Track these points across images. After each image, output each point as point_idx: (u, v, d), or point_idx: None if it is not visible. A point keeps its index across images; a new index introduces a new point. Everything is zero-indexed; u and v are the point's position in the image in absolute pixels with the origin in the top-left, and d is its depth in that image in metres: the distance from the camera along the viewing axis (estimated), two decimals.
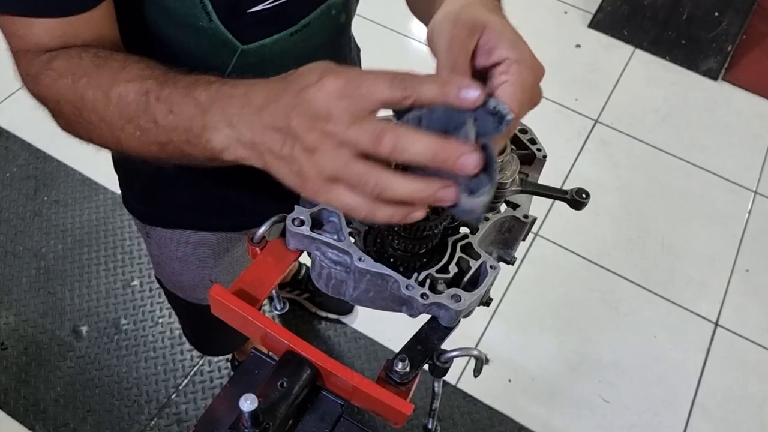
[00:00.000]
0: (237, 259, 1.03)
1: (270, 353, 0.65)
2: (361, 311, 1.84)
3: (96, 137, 0.62)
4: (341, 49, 0.87)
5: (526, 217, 0.66)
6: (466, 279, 0.61)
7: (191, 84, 0.55)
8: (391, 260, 0.62)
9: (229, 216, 0.95)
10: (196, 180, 0.87)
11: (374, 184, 0.44)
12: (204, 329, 1.30)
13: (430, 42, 0.54)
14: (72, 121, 0.63)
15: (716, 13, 2.69)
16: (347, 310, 1.81)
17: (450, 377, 1.75)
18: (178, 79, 0.56)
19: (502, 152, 0.66)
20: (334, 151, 0.44)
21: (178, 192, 0.91)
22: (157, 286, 1.84)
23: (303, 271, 1.79)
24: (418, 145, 0.43)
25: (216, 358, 1.73)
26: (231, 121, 0.50)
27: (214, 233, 0.98)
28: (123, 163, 0.95)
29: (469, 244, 0.62)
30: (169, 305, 1.82)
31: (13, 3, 0.60)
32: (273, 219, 0.64)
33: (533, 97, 0.52)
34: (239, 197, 0.91)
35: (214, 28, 0.69)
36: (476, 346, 1.81)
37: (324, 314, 1.81)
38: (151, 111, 0.55)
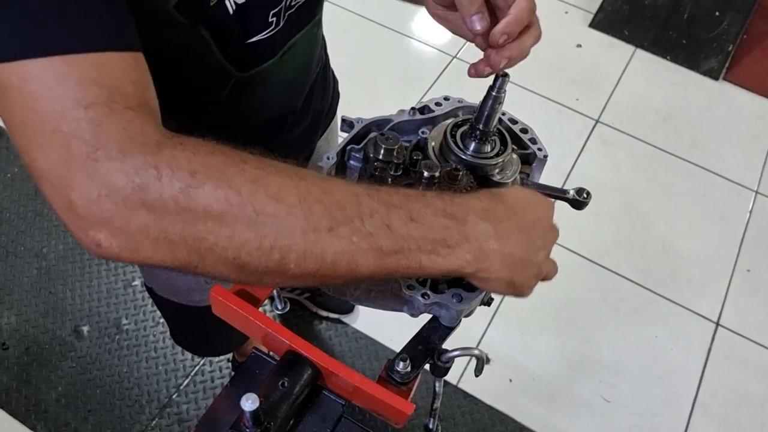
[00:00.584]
0: None
1: (271, 353, 0.65)
2: (361, 311, 1.83)
3: (261, 237, 0.45)
4: (315, 55, 0.89)
5: None
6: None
7: (412, 193, 0.52)
8: None
9: None
10: None
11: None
12: (200, 331, 1.29)
13: None
14: (214, 211, 0.44)
15: (717, 13, 2.69)
16: (348, 309, 1.81)
17: (451, 377, 1.75)
18: (379, 187, 0.52)
19: (503, 152, 0.66)
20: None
21: None
22: None
23: None
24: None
25: (217, 358, 1.73)
26: (499, 236, 0.54)
27: None
28: None
29: None
30: None
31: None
32: None
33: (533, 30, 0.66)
34: None
35: (213, 59, 0.69)
36: (477, 345, 1.81)
37: (325, 314, 1.81)
38: (380, 216, 0.48)
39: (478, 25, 0.60)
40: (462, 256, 0.51)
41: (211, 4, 0.63)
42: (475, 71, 0.63)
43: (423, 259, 0.50)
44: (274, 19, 0.72)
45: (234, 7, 0.66)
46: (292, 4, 0.74)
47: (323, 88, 0.99)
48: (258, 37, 0.72)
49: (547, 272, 0.64)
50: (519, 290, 0.58)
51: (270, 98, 0.81)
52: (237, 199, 0.43)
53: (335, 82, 1.09)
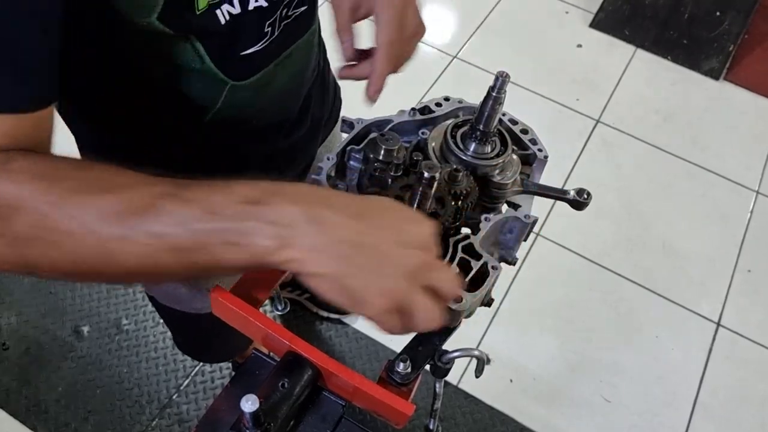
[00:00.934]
0: None
1: (271, 354, 0.65)
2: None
3: (66, 253, 0.49)
4: (311, 63, 0.89)
5: (527, 217, 0.66)
6: (467, 279, 0.61)
7: (216, 185, 0.50)
8: None
9: None
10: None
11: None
12: (202, 337, 1.29)
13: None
14: (27, 234, 0.49)
15: (718, 13, 2.69)
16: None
17: (451, 377, 1.75)
18: (195, 182, 0.51)
19: (503, 153, 0.66)
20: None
21: None
22: None
23: None
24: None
25: None
26: (315, 219, 0.48)
27: None
28: None
29: (471, 245, 0.62)
30: None
31: None
32: None
33: (400, 53, 0.77)
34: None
35: (206, 69, 0.69)
36: (477, 346, 1.81)
37: (325, 314, 1.81)
38: (176, 214, 0.48)
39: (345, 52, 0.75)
40: (261, 242, 0.47)
41: (198, 12, 0.62)
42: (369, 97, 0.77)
43: (223, 251, 0.48)
44: (270, 29, 0.72)
45: (227, 18, 0.65)
46: (289, 14, 0.74)
47: (322, 95, 0.99)
48: (253, 49, 0.71)
49: (422, 311, 0.50)
50: (357, 301, 0.49)
51: (265, 107, 0.80)
52: (42, 223, 0.48)
53: (336, 88, 1.08)
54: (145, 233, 0.48)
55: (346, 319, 1.82)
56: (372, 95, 0.76)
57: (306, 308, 1.82)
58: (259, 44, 0.72)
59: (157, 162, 0.55)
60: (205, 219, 0.48)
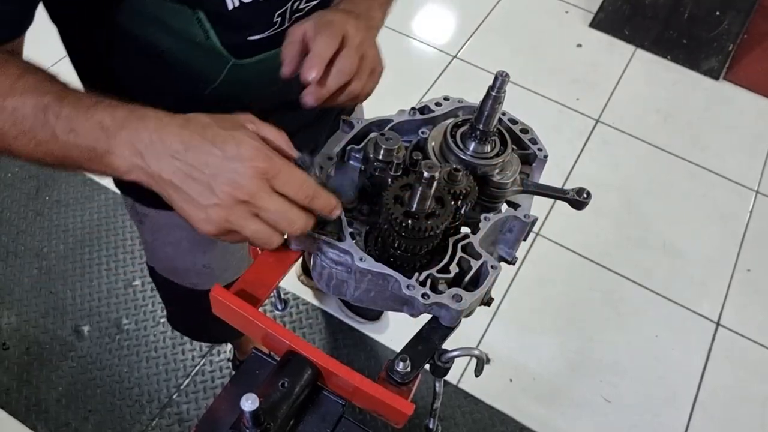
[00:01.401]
0: (229, 246, 1.01)
1: (271, 353, 0.65)
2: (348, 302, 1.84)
3: None
4: None
5: (527, 216, 0.66)
6: (467, 279, 0.61)
7: (93, 105, 0.57)
8: (392, 260, 0.62)
9: None
10: None
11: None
12: (198, 316, 1.28)
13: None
14: None
15: (717, 13, 2.69)
16: (374, 316, 1.79)
17: (451, 377, 1.75)
18: (79, 98, 0.58)
19: (503, 152, 0.66)
20: (247, 217, 0.55)
21: None
22: None
23: None
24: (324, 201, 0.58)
25: (218, 358, 1.73)
26: (140, 153, 0.55)
27: None
28: None
29: (470, 244, 0.62)
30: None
31: None
32: None
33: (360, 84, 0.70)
34: None
35: (209, 44, 0.70)
36: (477, 345, 1.81)
37: (352, 319, 1.80)
38: (50, 126, 0.57)
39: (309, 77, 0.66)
40: (114, 164, 0.56)
41: None
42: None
43: (84, 164, 0.58)
44: (279, 19, 0.72)
45: (236, 5, 0.67)
46: (301, 7, 0.74)
47: None
48: (260, 36, 0.72)
49: (250, 234, 0.55)
50: (193, 224, 0.56)
51: (264, 88, 0.80)
52: None
53: None
54: (29, 138, 0.58)
55: (367, 328, 1.81)
56: (308, 84, 0.67)
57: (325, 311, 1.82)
58: (267, 32, 0.72)
59: None
60: (69, 137, 0.57)
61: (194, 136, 0.55)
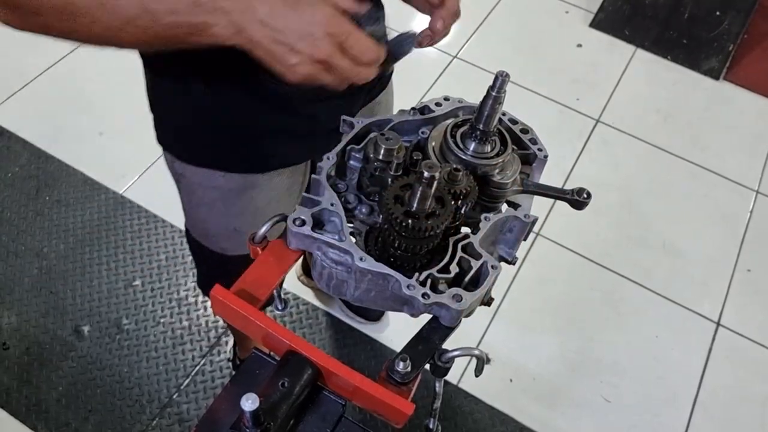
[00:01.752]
0: (261, 208, 1.05)
1: (271, 353, 0.65)
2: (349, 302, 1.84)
3: (85, 37, 0.68)
4: None
5: (527, 216, 0.66)
6: (467, 279, 0.61)
7: None
8: (393, 260, 0.62)
9: (254, 156, 0.99)
10: (226, 118, 0.93)
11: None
12: (224, 281, 1.31)
13: None
14: (54, 24, 0.66)
15: (717, 13, 2.69)
16: (375, 317, 1.80)
17: (451, 377, 1.75)
18: None
19: (503, 152, 0.66)
20: (323, 72, 0.68)
21: (210, 129, 0.95)
22: (159, 285, 1.85)
23: None
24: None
25: (218, 358, 1.74)
26: (236, 23, 0.65)
27: (240, 176, 1.00)
28: (160, 102, 0.98)
29: (471, 244, 0.62)
30: (170, 305, 1.82)
31: None
32: (274, 218, 0.65)
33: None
34: (264, 137, 0.96)
35: None
36: (477, 345, 1.81)
37: (351, 318, 1.80)
38: (151, 12, 0.64)
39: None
40: (217, 32, 0.64)
41: None
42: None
43: (189, 38, 0.65)
44: None
45: None
46: None
47: None
48: None
49: (319, 80, 0.68)
50: (277, 68, 0.66)
51: None
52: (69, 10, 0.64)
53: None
54: (134, 28, 0.65)
55: (368, 329, 1.81)
56: (438, 28, 0.85)
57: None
58: None
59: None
60: (171, 18, 0.64)
61: (278, 3, 0.65)
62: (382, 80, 1.09)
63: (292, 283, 1.87)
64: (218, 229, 1.10)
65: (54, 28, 0.67)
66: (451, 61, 2.48)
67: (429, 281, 0.60)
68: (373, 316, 1.80)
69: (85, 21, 0.65)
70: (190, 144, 0.99)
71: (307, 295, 1.86)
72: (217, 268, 1.23)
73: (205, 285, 1.45)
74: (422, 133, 0.70)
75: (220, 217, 1.07)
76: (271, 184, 1.03)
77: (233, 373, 1.72)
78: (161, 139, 1.04)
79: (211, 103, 0.91)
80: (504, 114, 0.71)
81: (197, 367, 1.73)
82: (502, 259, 0.69)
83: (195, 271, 1.88)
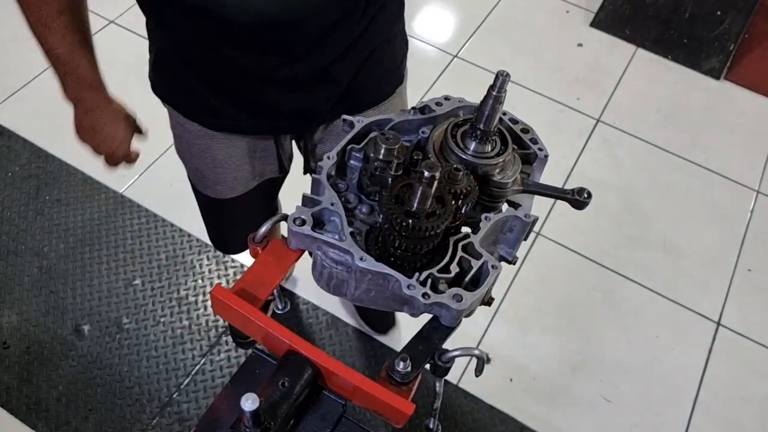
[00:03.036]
0: (219, 160, 1.11)
1: (271, 353, 0.65)
2: (362, 309, 1.83)
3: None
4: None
5: (527, 216, 0.66)
6: (467, 278, 0.61)
7: (70, 72, 1.03)
8: (393, 260, 0.62)
9: (208, 111, 1.03)
10: (183, 66, 0.99)
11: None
12: (224, 224, 1.37)
13: None
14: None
15: (718, 12, 2.69)
16: (384, 330, 1.80)
17: (451, 377, 1.75)
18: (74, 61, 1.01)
19: (503, 152, 0.66)
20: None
21: (173, 73, 1.03)
22: (159, 284, 1.85)
23: None
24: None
25: (218, 357, 1.74)
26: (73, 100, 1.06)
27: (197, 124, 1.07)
28: (150, 39, 1.05)
29: (471, 244, 0.62)
30: (170, 305, 1.82)
31: None
32: (275, 218, 0.65)
33: None
34: (217, 96, 0.99)
35: None
36: (478, 345, 1.81)
37: (360, 323, 1.80)
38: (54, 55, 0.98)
39: None
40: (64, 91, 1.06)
41: None
42: None
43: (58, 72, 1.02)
44: None
45: None
46: None
47: (357, 58, 0.97)
48: None
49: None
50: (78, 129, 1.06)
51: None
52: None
53: (396, 73, 1.08)
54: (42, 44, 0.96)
55: (384, 339, 1.81)
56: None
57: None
58: None
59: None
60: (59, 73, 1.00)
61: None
62: (385, 90, 1.08)
63: (293, 282, 1.87)
64: (186, 160, 1.18)
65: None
66: (451, 61, 2.48)
67: (429, 281, 0.60)
68: (383, 329, 1.79)
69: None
70: (161, 81, 1.06)
71: (308, 294, 1.86)
72: (217, 214, 1.31)
73: (212, 237, 1.48)
74: (423, 132, 0.69)
75: (185, 151, 1.15)
76: (229, 141, 1.07)
77: (233, 372, 1.72)
78: (150, 71, 1.09)
79: (173, 43, 0.96)
80: (504, 113, 0.71)
81: (197, 367, 1.73)
82: (502, 258, 0.69)
83: (195, 269, 1.89)
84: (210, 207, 1.27)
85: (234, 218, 1.29)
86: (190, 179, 1.25)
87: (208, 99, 0.99)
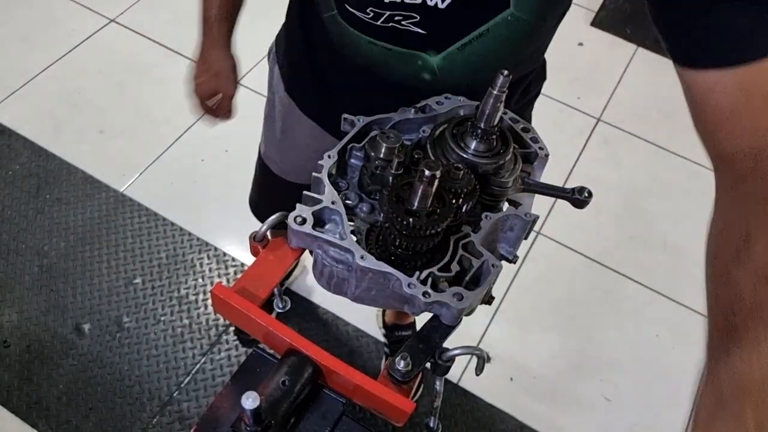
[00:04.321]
0: (287, 144, 1.16)
1: (272, 351, 0.65)
2: (362, 308, 1.84)
3: None
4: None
5: (528, 215, 0.66)
6: (468, 277, 0.61)
7: (213, 26, 1.08)
8: (393, 259, 0.62)
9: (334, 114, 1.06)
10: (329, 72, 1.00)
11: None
12: (265, 194, 1.39)
13: None
14: None
15: None
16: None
17: (451, 376, 1.75)
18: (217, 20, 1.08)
19: (504, 151, 0.66)
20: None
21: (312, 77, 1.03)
22: (160, 283, 1.85)
23: None
24: None
25: (218, 356, 1.74)
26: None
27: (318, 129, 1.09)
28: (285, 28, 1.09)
29: (471, 243, 0.62)
30: (171, 304, 1.82)
31: None
32: (274, 217, 0.65)
33: None
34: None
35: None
36: (478, 344, 1.82)
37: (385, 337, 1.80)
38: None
39: None
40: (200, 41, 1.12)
41: None
42: None
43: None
44: None
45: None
46: None
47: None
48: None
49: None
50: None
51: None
52: None
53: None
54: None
55: (369, 327, 1.81)
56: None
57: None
58: None
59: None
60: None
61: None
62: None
63: (293, 281, 1.87)
64: (277, 143, 1.19)
65: None
66: None
67: (430, 280, 0.60)
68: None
69: None
70: (295, 78, 1.08)
71: (309, 293, 1.86)
72: (261, 177, 1.33)
73: (251, 198, 1.47)
74: (423, 131, 0.69)
75: (284, 132, 1.16)
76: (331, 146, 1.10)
77: (234, 370, 1.72)
78: (280, 63, 1.12)
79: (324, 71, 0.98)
80: (505, 112, 0.71)
81: (198, 365, 1.73)
82: (502, 257, 0.69)
83: (196, 268, 1.89)
84: (270, 180, 1.28)
85: (284, 196, 1.29)
86: (263, 150, 1.27)
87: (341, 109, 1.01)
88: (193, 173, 2.06)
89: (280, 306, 0.73)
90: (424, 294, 0.59)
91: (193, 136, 2.12)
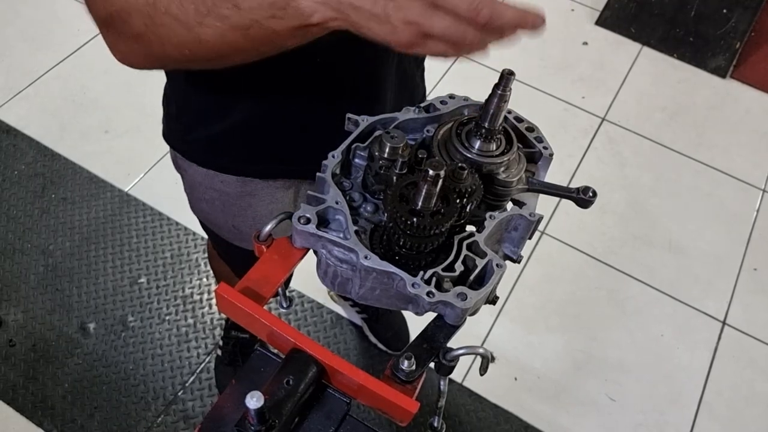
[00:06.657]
0: (260, 215, 1.06)
1: (276, 351, 0.65)
2: (375, 329, 1.83)
3: (171, 43, 0.65)
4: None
5: (532, 215, 0.66)
6: (472, 277, 0.61)
7: None
8: (397, 258, 0.62)
9: (253, 161, 0.99)
10: (231, 120, 0.94)
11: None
12: (230, 260, 1.35)
13: None
14: (142, 33, 0.66)
15: (724, 10, 2.68)
16: (398, 348, 1.79)
17: (456, 375, 1.75)
18: None
19: (508, 151, 0.66)
20: (429, 11, 0.55)
21: (213, 129, 0.96)
22: (164, 283, 1.85)
23: None
24: (509, 13, 0.56)
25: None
26: None
27: (238, 180, 1.02)
28: (172, 98, 1.00)
29: (476, 243, 0.62)
30: (175, 303, 1.82)
31: None
32: (279, 216, 0.65)
33: None
34: (266, 143, 0.96)
35: None
36: (482, 344, 1.81)
37: (374, 341, 1.79)
38: (232, 3, 0.61)
39: None
40: (296, 13, 0.58)
41: None
42: None
43: (271, 24, 0.60)
44: None
45: None
46: None
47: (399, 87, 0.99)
48: None
49: (429, 25, 0.55)
50: (375, 29, 0.56)
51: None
52: (149, 21, 0.65)
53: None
54: (214, 17, 0.62)
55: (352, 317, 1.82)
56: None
57: (358, 327, 1.81)
58: None
59: None
60: (251, 3, 0.60)
61: None
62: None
63: (297, 280, 1.87)
64: (218, 222, 1.13)
65: (142, 42, 0.67)
66: (455, 59, 2.47)
67: (434, 279, 0.60)
68: (397, 347, 1.79)
69: (166, 21, 0.63)
70: (195, 144, 1.01)
71: (312, 292, 1.86)
72: (222, 250, 1.27)
73: (220, 254, 1.44)
74: (427, 131, 0.69)
75: (220, 213, 1.09)
76: (272, 196, 1.03)
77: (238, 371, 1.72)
78: (167, 136, 1.06)
79: (246, 117, 0.92)
80: (509, 112, 0.71)
81: (202, 365, 1.73)
82: (507, 257, 0.68)
83: (200, 267, 1.89)
84: (245, 256, 1.15)
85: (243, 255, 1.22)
86: (217, 236, 1.17)
87: (269, 146, 0.96)
88: None
89: (284, 305, 0.73)
90: (428, 294, 0.59)
91: None
